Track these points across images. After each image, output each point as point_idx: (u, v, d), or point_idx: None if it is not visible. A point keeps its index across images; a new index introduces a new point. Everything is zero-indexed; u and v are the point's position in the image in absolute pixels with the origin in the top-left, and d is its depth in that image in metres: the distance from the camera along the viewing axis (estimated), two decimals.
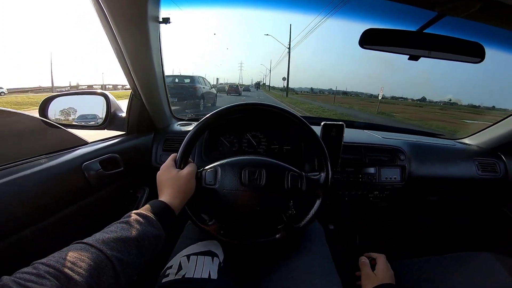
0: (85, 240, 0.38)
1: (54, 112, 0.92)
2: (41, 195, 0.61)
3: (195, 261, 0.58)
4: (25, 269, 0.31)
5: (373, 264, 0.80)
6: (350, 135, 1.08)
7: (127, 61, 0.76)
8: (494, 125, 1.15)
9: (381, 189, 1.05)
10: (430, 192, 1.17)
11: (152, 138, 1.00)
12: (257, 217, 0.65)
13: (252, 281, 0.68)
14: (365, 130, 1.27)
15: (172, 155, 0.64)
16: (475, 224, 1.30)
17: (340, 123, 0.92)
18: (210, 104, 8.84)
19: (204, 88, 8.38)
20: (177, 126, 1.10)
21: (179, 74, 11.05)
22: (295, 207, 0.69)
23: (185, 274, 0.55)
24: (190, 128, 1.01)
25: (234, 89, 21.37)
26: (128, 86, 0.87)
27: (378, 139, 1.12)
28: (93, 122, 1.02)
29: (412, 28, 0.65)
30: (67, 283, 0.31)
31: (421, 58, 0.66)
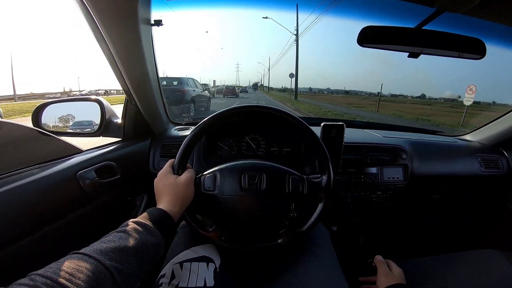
0: (82, 250, 0.37)
1: (48, 119, 0.91)
2: (36, 205, 0.60)
3: (188, 268, 0.56)
4: (22, 281, 0.30)
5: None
6: (351, 135, 1.07)
7: (119, 66, 0.74)
8: (495, 121, 1.14)
9: (384, 189, 1.04)
10: (434, 190, 1.16)
11: (149, 143, 0.99)
12: (258, 222, 0.64)
13: (255, 286, 0.67)
14: (365, 130, 1.25)
15: (170, 161, 0.63)
16: (480, 222, 1.29)
17: (340, 123, 0.91)
18: (203, 109, 8.13)
19: (194, 91, 7.58)
20: (175, 131, 1.09)
21: (165, 76, 10.36)
22: (296, 211, 0.68)
23: (178, 284, 0.53)
24: (187, 132, 0.99)
25: (230, 90, 21.05)
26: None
27: (379, 138, 1.11)
28: (89, 129, 1.00)
29: (411, 25, 0.64)
30: None
31: (421, 55, 0.65)
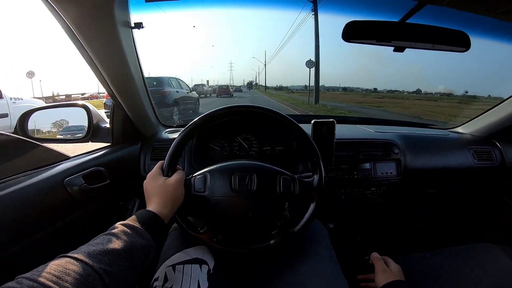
0: (70, 254, 0.37)
1: (35, 126, 0.90)
2: (24, 212, 0.60)
3: (181, 270, 0.55)
4: (9, 284, 0.30)
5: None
6: (343, 131, 1.06)
7: (101, 71, 0.74)
8: (486, 113, 1.14)
9: (377, 185, 1.04)
10: (428, 184, 1.16)
11: (140, 147, 0.98)
12: (250, 223, 0.63)
13: (254, 285, 0.66)
14: (358, 125, 1.25)
15: (159, 163, 0.63)
16: (476, 215, 1.29)
17: (331, 120, 0.91)
18: (191, 111, 7.14)
19: (178, 92, 6.56)
20: (165, 134, 1.08)
21: (148, 76, 9.39)
22: (289, 211, 0.67)
23: (172, 287, 0.52)
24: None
25: (224, 90, 20.20)
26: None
27: (371, 134, 1.11)
28: (80, 134, 0.99)
29: (395, 19, 0.63)
30: None
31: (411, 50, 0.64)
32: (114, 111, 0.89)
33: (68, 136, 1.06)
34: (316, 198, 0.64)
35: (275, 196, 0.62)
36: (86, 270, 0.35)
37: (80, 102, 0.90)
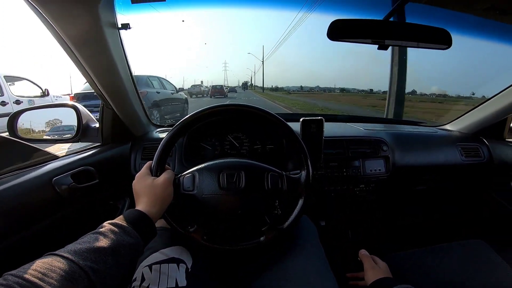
0: (56, 252, 0.38)
1: (24, 126, 0.89)
2: (11, 211, 0.60)
3: (158, 270, 0.55)
4: None
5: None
6: (332, 129, 1.07)
7: (88, 71, 0.73)
8: (474, 110, 1.15)
9: (366, 182, 1.05)
10: (416, 181, 1.17)
11: (130, 147, 0.98)
12: (239, 220, 0.64)
13: (242, 281, 0.67)
14: (347, 123, 1.26)
15: (148, 163, 0.63)
16: (464, 211, 1.30)
17: (319, 118, 0.91)
18: (178, 114, 6.37)
19: (159, 93, 5.85)
20: (156, 133, 1.08)
21: None
22: (280, 208, 0.68)
23: (149, 286, 0.52)
24: None
25: (218, 90, 20.07)
26: None
27: (360, 131, 1.12)
28: (69, 135, 0.98)
29: (380, 17, 0.64)
30: None
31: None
32: (103, 110, 0.89)
33: (56, 137, 1.05)
34: (304, 194, 0.64)
35: (263, 193, 0.63)
36: (71, 267, 0.35)
37: (69, 102, 0.90)
